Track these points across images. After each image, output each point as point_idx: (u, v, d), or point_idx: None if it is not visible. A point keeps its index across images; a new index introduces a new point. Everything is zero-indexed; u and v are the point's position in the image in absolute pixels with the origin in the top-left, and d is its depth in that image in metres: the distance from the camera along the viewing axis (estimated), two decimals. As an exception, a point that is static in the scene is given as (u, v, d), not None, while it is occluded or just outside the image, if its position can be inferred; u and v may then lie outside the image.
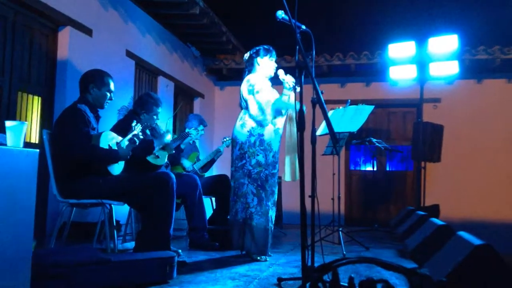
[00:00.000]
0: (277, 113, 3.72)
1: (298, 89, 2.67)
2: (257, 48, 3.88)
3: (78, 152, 2.98)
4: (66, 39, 4.55)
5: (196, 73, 7.89)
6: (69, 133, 3.01)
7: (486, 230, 6.63)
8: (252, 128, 3.71)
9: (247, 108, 3.76)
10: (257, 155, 3.68)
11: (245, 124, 3.74)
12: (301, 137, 2.41)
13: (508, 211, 7.28)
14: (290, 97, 3.65)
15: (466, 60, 7.22)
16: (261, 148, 3.69)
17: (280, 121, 3.83)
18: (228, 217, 3.80)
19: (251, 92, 3.72)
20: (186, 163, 4.97)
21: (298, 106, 2.45)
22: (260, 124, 3.70)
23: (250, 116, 3.72)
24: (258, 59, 3.84)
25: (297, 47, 2.42)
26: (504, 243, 2.98)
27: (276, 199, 3.79)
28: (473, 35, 7.48)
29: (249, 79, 3.78)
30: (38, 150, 2.06)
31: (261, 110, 3.67)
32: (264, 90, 3.70)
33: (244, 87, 3.79)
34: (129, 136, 3.14)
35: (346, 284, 1.77)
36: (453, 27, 5.93)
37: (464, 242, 2.16)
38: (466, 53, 7.22)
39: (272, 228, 3.74)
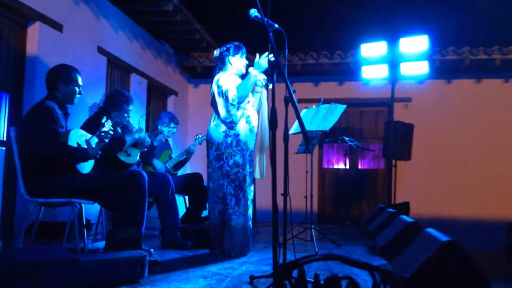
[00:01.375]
0: (244, 97, 3.71)
1: (270, 86, 2.68)
2: (228, 45, 3.83)
3: (46, 150, 2.92)
4: (35, 34, 4.44)
5: (169, 70, 7.82)
6: (36, 131, 2.94)
7: (455, 227, 6.80)
8: (227, 128, 3.70)
9: (216, 111, 3.74)
10: (234, 155, 3.67)
11: (219, 125, 3.72)
12: (273, 135, 2.42)
13: (476, 208, 7.48)
14: (262, 94, 3.64)
15: (436, 60, 7.39)
16: (238, 148, 3.68)
17: (255, 119, 3.83)
18: (210, 218, 3.78)
19: (220, 94, 3.70)
20: (158, 164, 4.90)
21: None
22: (230, 126, 3.69)
23: (220, 120, 3.71)
24: (230, 58, 3.81)
25: (270, 45, 2.42)
26: (471, 240, 3.05)
27: (252, 197, 3.80)
28: (443, 36, 7.67)
29: (219, 79, 3.74)
30: (3, 148, 2.02)
31: (229, 111, 3.66)
32: (231, 88, 3.68)
33: (214, 87, 3.75)
34: (99, 132, 3.09)
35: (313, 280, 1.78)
36: (424, 28, 6.04)
37: (432, 238, 2.20)
38: (436, 53, 7.39)
39: (251, 226, 3.75)
